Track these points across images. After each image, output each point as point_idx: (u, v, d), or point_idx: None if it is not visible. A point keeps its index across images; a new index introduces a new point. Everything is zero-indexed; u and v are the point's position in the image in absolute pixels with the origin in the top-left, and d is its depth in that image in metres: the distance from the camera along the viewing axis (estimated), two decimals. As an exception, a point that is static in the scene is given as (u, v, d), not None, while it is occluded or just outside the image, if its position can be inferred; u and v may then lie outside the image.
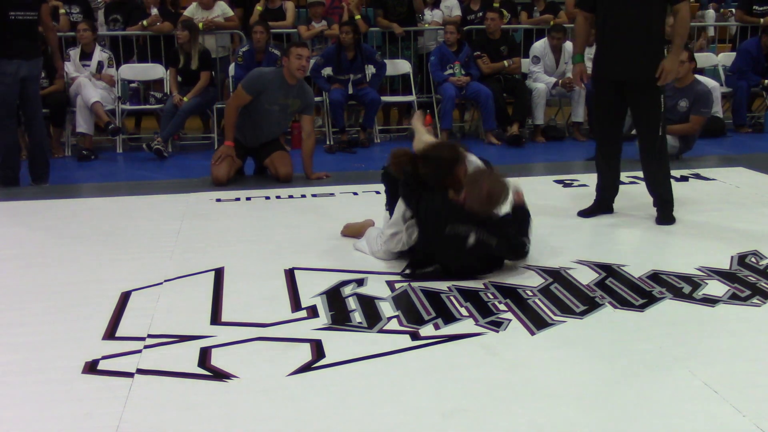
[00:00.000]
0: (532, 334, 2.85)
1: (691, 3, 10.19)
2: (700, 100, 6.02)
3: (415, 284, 3.33)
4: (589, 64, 4.44)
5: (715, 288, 3.28)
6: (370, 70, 7.50)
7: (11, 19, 5.29)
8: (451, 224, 3.33)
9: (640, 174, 5.54)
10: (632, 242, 4.00)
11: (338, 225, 4.32)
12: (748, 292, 3.23)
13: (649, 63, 4.05)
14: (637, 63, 4.06)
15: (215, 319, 3.02)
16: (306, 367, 2.59)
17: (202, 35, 7.36)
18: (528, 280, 3.39)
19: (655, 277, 3.43)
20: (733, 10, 9.57)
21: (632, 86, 4.13)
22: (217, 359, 2.65)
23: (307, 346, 2.75)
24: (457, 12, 8.31)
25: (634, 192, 5.10)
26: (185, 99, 6.90)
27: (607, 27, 4.13)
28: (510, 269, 3.51)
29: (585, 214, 4.46)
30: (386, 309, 3.08)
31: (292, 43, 5.65)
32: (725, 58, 8.62)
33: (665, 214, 4.30)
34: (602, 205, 4.49)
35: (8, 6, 5.25)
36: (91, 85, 6.87)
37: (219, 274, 3.54)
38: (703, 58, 8.55)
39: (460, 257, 3.36)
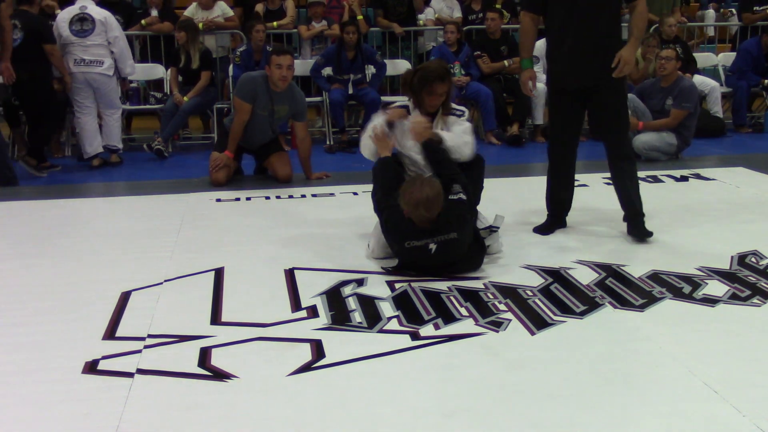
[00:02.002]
0: (532, 334, 2.85)
1: (692, 3, 10.21)
2: (682, 94, 6.05)
3: (415, 284, 3.33)
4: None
5: (715, 288, 3.28)
6: (370, 70, 7.51)
7: None
8: (408, 240, 3.37)
9: (640, 174, 5.54)
10: (632, 242, 3.99)
11: (338, 225, 4.33)
12: (748, 292, 3.23)
13: (612, 65, 3.80)
14: (600, 66, 3.80)
15: (215, 319, 3.02)
16: (306, 367, 2.59)
17: (202, 35, 7.36)
18: (528, 280, 3.39)
19: (655, 277, 3.43)
20: (733, 10, 9.57)
21: (596, 91, 3.87)
22: (217, 359, 2.65)
23: (307, 346, 2.75)
24: (457, 13, 8.31)
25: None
26: (185, 99, 6.90)
27: (563, 32, 3.86)
28: (510, 269, 3.51)
29: (542, 231, 4.14)
30: (386, 309, 3.08)
31: (273, 50, 5.41)
32: (725, 58, 8.61)
33: (638, 228, 3.99)
34: (557, 219, 4.22)
35: None
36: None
37: (219, 274, 3.55)
38: (703, 58, 8.56)
39: (432, 261, 3.38)
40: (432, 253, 3.34)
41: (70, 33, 6.14)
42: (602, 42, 3.83)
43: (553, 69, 4.01)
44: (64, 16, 6.22)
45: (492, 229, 3.65)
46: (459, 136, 3.75)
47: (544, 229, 4.15)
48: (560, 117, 4.09)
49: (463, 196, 3.46)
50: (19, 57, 5.84)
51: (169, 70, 7.31)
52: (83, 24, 6.14)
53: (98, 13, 6.23)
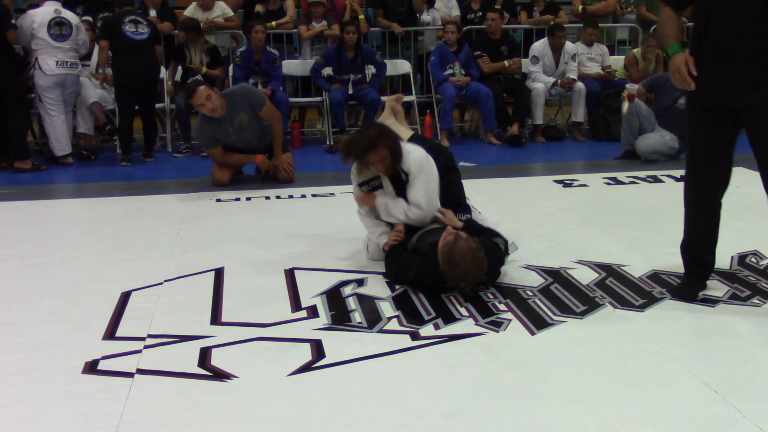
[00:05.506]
0: (532, 334, 2.85)
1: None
2: None
3: (415, 284, 3.33)
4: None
5: (715, 288, 3.28)
6: (371, 70, 7.51)
7: None
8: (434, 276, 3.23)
9: (640, 173, 5.58)
10: (632, 242, 3.99)
11: (338, 225, 4.32)
12: (748, 292, 3.23)
13: None
14: (755, 83, 2.87)
15: (215, 319, 3.02)
16: (306, 367, 2.59)
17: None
18: (528, 280, 3.39)
19: (655, 277, 3.43)
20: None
21: (755, 114, 2.93)
22: (217, 359, 2.65)
23: (307, 346, 2.75)
24: (456, 11, 8.31)
25: (634, 192, 5.11)
26: (204, 69, 6.87)
27: (706, 36, 2.96)
28: (510, 269, 3.51)
29: (685, 297, 3.18)
30: (386, 309, 3.08)
31: (186, 94, 5.46)
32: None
33: None
34: (699, 280, 3.26)
35: None
36: (90, 85, 6.87)
37: (219, 274, 3.55)
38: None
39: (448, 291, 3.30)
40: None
41: (49, 36, 6.31)
42: (758, 51, 2.85)
43: (701, 79, 2.99)
44: (41, 18, 6.31)
45: None
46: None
47: (687, 295, 3.18)
48: (705, 144, 3.11)
49: (500, 245, 3.36)
50: (143, 50, 6.42)
51: (170, 64, 7.22)
52: (62, 28, 6.38)
53: (72, 17, 6.50)
